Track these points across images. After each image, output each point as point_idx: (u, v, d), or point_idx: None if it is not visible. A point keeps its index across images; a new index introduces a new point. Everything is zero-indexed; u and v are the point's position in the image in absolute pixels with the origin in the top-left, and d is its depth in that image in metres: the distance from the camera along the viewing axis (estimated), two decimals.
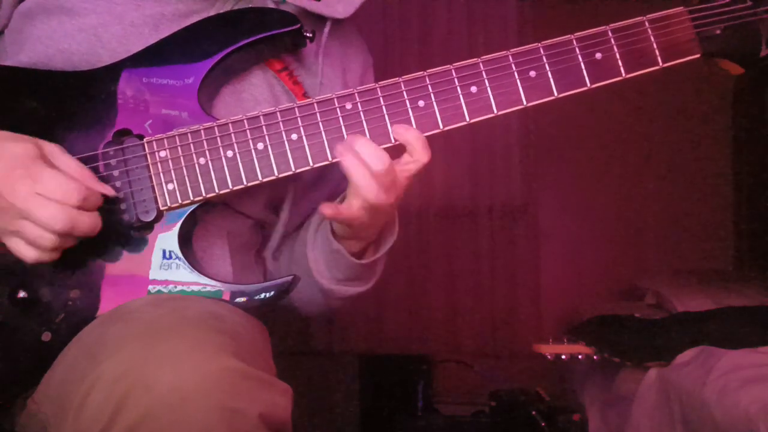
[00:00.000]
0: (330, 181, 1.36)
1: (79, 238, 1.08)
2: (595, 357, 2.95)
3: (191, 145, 1.14)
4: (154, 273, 1.13)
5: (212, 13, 1.25)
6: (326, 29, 1.29)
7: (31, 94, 1.17)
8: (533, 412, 3.06)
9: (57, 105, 1.17)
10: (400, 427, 3.39)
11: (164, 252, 1.14)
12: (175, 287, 1.13)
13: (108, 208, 1.12)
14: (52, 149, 1.07)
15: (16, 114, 1.15)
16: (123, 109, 1.16)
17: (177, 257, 1.14)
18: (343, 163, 1.13)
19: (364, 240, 1.24)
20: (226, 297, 1.14)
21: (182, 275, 1.13)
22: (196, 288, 1.13)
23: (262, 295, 1.15)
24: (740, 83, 3.99)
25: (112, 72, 1.18)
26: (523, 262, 4.22)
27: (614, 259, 4.11)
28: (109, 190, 1.10)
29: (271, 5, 1.27)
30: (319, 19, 1.29)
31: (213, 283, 1.14)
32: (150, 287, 1.13)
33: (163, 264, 1.13)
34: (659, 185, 4.16)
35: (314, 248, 1.29)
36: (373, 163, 1.12)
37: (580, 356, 2.97)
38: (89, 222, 1.06)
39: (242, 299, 1.14)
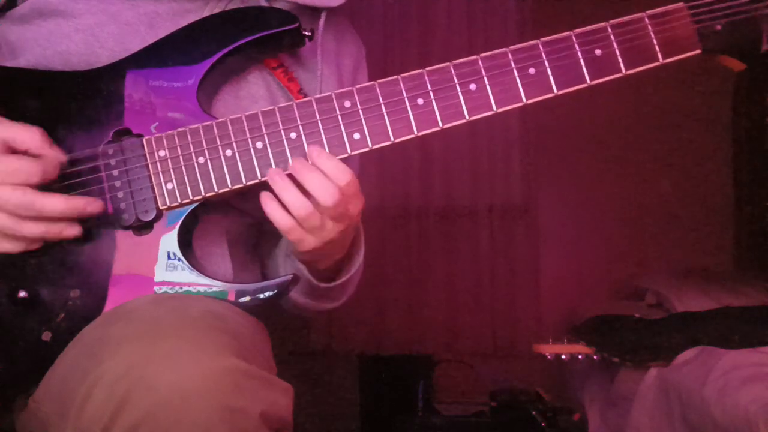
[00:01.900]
0: None
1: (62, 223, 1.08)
2: (595, 357, 2.96)
3: (190, 145, 1.14)
4: (160, 274, 1.13)
5: (206, 11, 1.25)
6: (321, 21, 1.29)
7: (31, 94, 1.17)
8: (533, 412, 3.06)
9: (58, 105, 1.17)
10: (400, 427, 3.39)
11: (169, 253, 1.14)
12: (181, 288, 1.13)
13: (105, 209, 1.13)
14: None
15: (16, 114, 1.14)
16: (130, 111, 1.16)
17: (178, 258, 1.14)
18: (263, 206, 1.13)
19: (326, 263, 1.24)
20: (231, 297, 1.14)
21: (186, 276, 1.13)
22: (202, 289, 1.13)
23: (265, 294, 1.15)
24: (740, 83, 3.99)
25: (114, 72, 1.18)
26: (523, 262, 4.21)
27: (614, 259, 4.11)
28: (61, 157, 1.09)
29: (265, 4, 1.27)
30: (313, 14, 1.29)
31: (218, 283, 1.14)
32: (156, 288, 1.13)
33: (169, 265, 1.14)
34: (659, 185, 4.16)
35: (286, 262, 1.31)
36: (294, 208, 1.11)
37: (580, 356, 2.98)
38: (56, 202, 1.07)
39: (246, 298, 1.14)
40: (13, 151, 1.07)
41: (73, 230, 1.10)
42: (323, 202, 1.10)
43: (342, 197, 1.11)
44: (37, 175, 1.06)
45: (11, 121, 1.09)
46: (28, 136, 1.08)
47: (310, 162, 1.13)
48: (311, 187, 1.11)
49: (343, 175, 1.11)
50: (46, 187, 1.08)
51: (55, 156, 1.09)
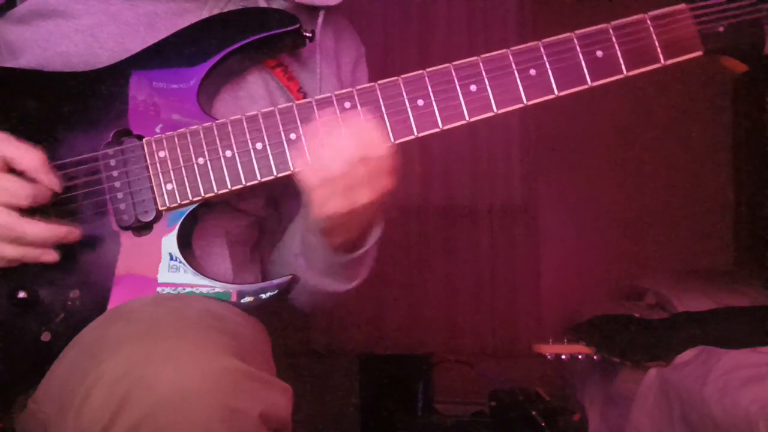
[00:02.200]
0: None
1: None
2: (595, 357, 2.96)
3: (190, 146, 1.14)
4: (164, 276, 1.13)
5: (205, 11, 1.25)
6: (320, 19, 1.28)
7: (32, 94, 1.17)
8: (533, 412, 3.06)
9: (58, 105, 1.17)
10: (400, 427, 3.39)
11: (171, 254, 1.14)
12: (184, 290, 1.13)
13: (104, 210, 1.13)
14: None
15: (16, 114, 1.15)
16: (134, 112, 1.16)
17: (179, 260, 1.14)
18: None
19: (343, 235, 1.21)
20: (233, 298, 1.14)
21: (189, 278, 1.13)
22: (204, 290, 1.13)
23: (266, 294, 1.15)
24: (741, 83, 3.99)
25: (117, 73, 1.18)
26: (523, 262, 4.21)
27: (614, 259, 4.11)
28: (55, 185, 1.10)
29: (264, 4, 1.27)
30: (311, 13, 1.29)
31: (219, 284, 1.14)
32: (159, 289, 1.13)
33: (171, 266, 1.14)
34: (659, 185, 4.16)
35: (295, 236, 1.28)
36: (333, 157, 1.10)
37: (580, 356, 2.98)
38: (38, 229, 1.07)
39: (247, 299, 1.14)
40: (10, 169, 1.07)
41: (50, 256, 1.10)
42: (368, 153, 1.09)
43: (381, 158, 1.11)
44: (26, 199, 1.07)
45: (17, 139, 1.09)
46: (28, 158, 1.08)
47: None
48: (357, 136, 1.10)
49: (386, 141, 1.12)
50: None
51: (49, 183, 1.09)
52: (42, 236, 1.08)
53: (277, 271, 1.36)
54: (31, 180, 1.08)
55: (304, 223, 1.23)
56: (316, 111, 1.16)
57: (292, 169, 1.16)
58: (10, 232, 1.06)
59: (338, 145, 1.10)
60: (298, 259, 1.28)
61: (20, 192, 1.06)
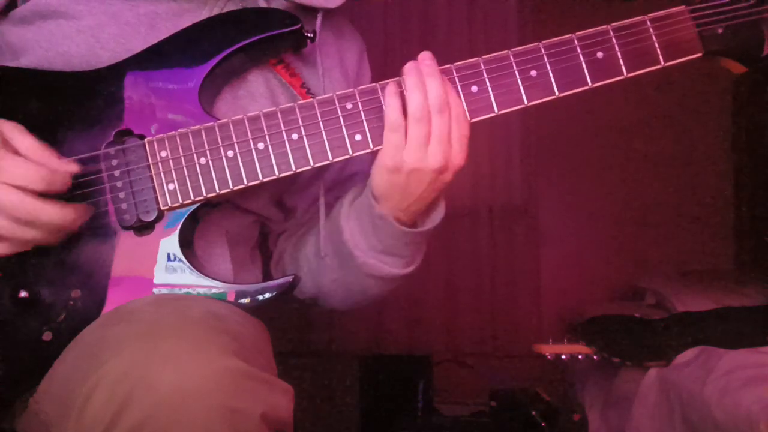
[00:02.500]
0: (349, 178, 1.37)
1: (54, 232, 1.07)
2: (595, 357, 2.96)
3: (192, 145, 1.14)
4: (160, 277, 1.13)
5: (205, 12, 1.25)
6: (318, 21, 1.29)
7: (32, 94, 1.17)
8: (533, 412, 3.06)
9: (59, 105, 1.17)
10: (400, 427, 3.39)
11: (168, 255, 1.14)
12: (181, 290, 1.13)
13: (105, 210, 1.13)
14: (10, 131, 1.07)
15: (17, 114, 1.14)
16: (129, 112, 1.16)
17: (179, 259, 1.14)
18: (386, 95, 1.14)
19: (405, 211, 1.20)
20: (231, 298, 1.14)
21: (186, 278, 1.13)
22: (202, 291, 1.13)
23: (265, 295, 1.15)
24: (741, 83, 3.99)
25: (114, 73, 1.18)
26: (523, 262, 4.21)
27: (614, 259, 4.11)
28: (73, 167, 1.09)
29: (264, 4, 1.27)
30: (310, 14, 1.29)
31: (218, 284, 1.14)
32: (155, 290, 1.13)
33: (168, 267, 1.13)
34: (659, 185, 4.16)
35: (349, 219, 1.25)
36: (414, 104, 1.13)
37: (580, 356, 2.97)
38: (54, 212, 1.05)
39: (246, 300, 1.14)
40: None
41: (62, 237, 1.10)
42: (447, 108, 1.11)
43: (460, 118, 1.13)
44: (40, 182, 1.04)
45: (27, 132, 1.08)
46: (41, 150, 1.07)
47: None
48: (432, 92, 1.12)
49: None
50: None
51: (65, 168, 1.08)
52: (61, 218, 1.07)
53: (301, 268, 1.35)
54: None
55: (364, 196, 1.22)
56: (317, 110, 1.16)
57: (294, 169, 1.16)
58: (26, 214, 1.04)
59: (425, 90, 1.13)
60: (325, 260, 1.28)
61: (34, 175, 1.04)
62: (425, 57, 1.17)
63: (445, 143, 1.14)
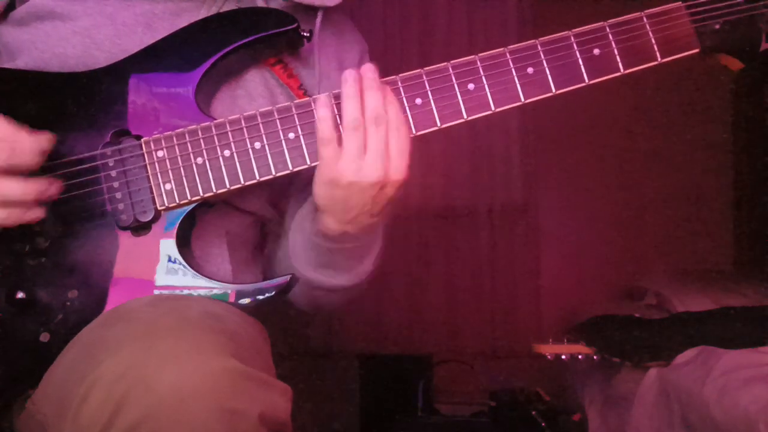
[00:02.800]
0: None
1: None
2: (595, 357, 2.95)
3: (188, 145, 1.14)
4: (161, 278, 1.13)
5: (203, 11, 1.25)
6: (318, 20, 1.28)
7: (30, 95, 1.17)
8: (533, 412, 3.06)
9: (56, 106, 1.17)
10: (400, 427, 3.38)
11: (169, 257, 1.14)
12: (182, 292, 1.13)
13: (102, 210, 1.13)
14: None
15: (14, 115, 1.14)
16: (133, 116, 1.16)
17: (178, 261, 1.13)
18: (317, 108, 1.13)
19: (352, 223, 1.18)
20: (232, 298, 1.14)
21: (187, 280, 1.13)
22: (202, 292, 1.13)
23: (263, 295, 1.15)
24: (740, 83, 3.99)
25: (115, 73, 1.18)
26: (523, 262, 4.21)
27: (614, 259, 4.11)
28: (42, 140, 1.07)
29: (262, 3, 1.27)
30: (310, 11, 1.28)
31: (218, 285, 1.14)
32: (156, 292, 1.13)
33: (169, 269, 1.13)
34: (659, 185, 4.16)
35: (296, 231, 1.27)
36: (348, 114, 1.11)
37: (580, 356, 2.97)
38: (17, 187, 1.05)
39: (246, 300, 1.14)
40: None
41: (35, 214, 1.08)
42: (385, 115, 1.10)
43: (399, 124, 1.11)
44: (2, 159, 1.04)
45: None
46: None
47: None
48: (369, 103, 1.11)
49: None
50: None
51: (30, 141, 1.07)
52: (23, 192, 1.06)
53: (277, 271, 1.35)
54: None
55: (307, 209, 1.22)
56: (314, 110, 1.15)
57: (291, 168, 1.15)
58: None
59: (360, 100, 1.11)
60: (296, 258, 1.28)
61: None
62: (367, 70, 1.14)
63: (382, 155, 1.11)
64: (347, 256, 1.24)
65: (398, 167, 1.13)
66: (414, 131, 1.16)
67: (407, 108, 1.16)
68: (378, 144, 1.11)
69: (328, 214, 1.17)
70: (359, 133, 1.11)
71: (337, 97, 1.14)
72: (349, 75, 1.13)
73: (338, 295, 1.30)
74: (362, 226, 1.19)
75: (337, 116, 1.13)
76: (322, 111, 1.13)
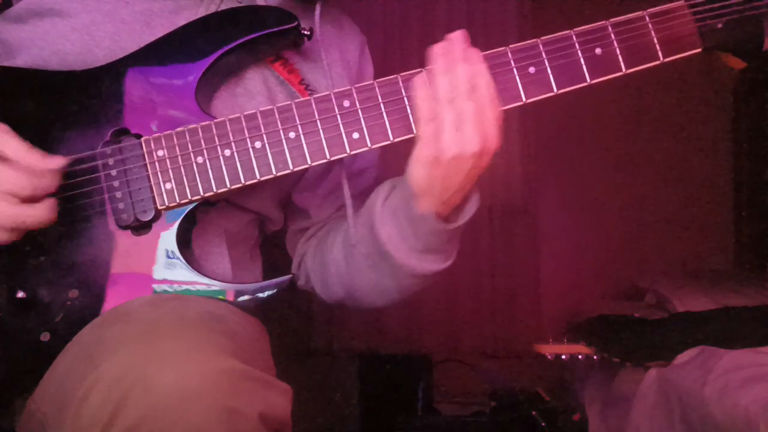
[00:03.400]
0: (359, 173, 1.37)
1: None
2: (595, 357, 2.96)
3: (189, 144, 1.14)
4: (159, 273, 1.13)
5: (201, 9, 1.25)
6: (317, 12, 1.28)
7: (28, 93, 1.17)
8: (533, 412, 3.06)
9: (56, 105, 1.17)
10: (400, 427, 3.38)
11: (167, 252, 1.14)
12: (180, 287, 1.13)
13: (102, 209, 1.12)
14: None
15: (14, 114, 1.14)
16: (129, 109, 1.16)
17: (177, 258, 1.13)
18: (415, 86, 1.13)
19: (445, 204, 1.18)
20: (230, 296, 1.13)
21: (185, 274, 1.13)
22: (201, 288, 1.13)
23: (264, 294, 1.15)
24: (741, 83, 3.99)
25: (114, 71, 1.18)
26: (523, 262, 4.21)
27: (614, 259, 4.11)
28: (57, 163, 1.08)
29: (262, 1, 1.27)
30: (308, 6, 1.28)
31: (217, 283, 1.14)
32: (155, 286, 1.13)
33: (168, 263, 1.13)
34: (659, 185, 4.16)
35: (385, 222, 1.22)
36: (443, 89, 1.11)
37: (580, 356, 2.98)
38: (38, 215, 1.06)
39: (245, 298, 1.14)
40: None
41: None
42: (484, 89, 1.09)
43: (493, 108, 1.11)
44: (26, 190, 1.04)
45: (12, 133, 1.07)
46: (24, 154, 1.06)
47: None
48: (461, 75, 1.10)
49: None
50: None
51: (51, 165, 1.07)
52: (41, 220, 1.07)
53: (329, 270, 1.33)
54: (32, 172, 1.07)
55: (403, 196, 1.19)
56: (314, 109, 1.15)
57: (291, 168, 1.15)
58: (11, 222, 1.05)
59: (456, 74, 1.11)
60: (356, 251, 1.25)
61: (21, 183, 1.04)
62: (457, 39, 1.15)
63: (479, 125, 1.11)
64: (449, 237, 1.22)
65: (494, 135, 1.14)
66: (415, 131, 1.16)
67: (408, 107, 1.16)
68: (474, 114, 1.11)
69: (425, 196, 1.16)
70: (456, 106, 1.11)
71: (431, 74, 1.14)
72: (438, 50, 1.14)
73: (433, 280, 1.28)
74: (454, 205, 1.19)
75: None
76: (420, 92, 1.13)
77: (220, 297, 1.13)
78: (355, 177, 1.38)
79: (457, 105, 1.10)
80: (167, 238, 1.14)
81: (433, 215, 1.17)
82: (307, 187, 1.37)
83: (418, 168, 1.14)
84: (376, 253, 1.23)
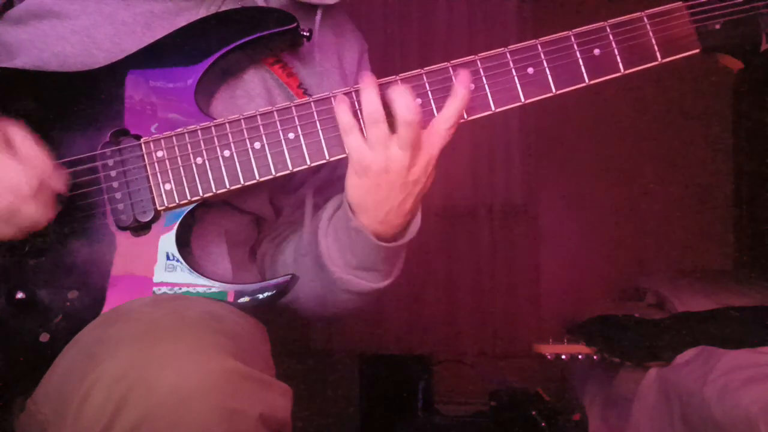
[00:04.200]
0: (338, 179, 1.36)
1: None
2: (595, 357, 2.96)
3: (188, 145, 1.14)
4: (159, 275, 1.13)
5: (202, 10, 1.25)
6: (318, 17, 1.28)
7: (29, 94, 1.17)
8: (533, 412, 3.06)
9: (56, 106, 1.17)
10: (400, 427, 3.39)
11: (168, 254, 1.14)
12: (180, 289, 1.13)
13: (102, 210, 1.12)
14: (14, 132, 1.06)
15: (13, 114, 1.14)
16: (130, 111, 1.16)
17: (177, 259, 1.13)
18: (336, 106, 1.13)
19: (383, 223, 1.18)
20: (230, 298, 1.13)
21: (186, 277, 1.13)
22: (201, 290, 1.13)
23: (263, 294, 1.15)
24: (741, 83, 3.98)
25: (114, 73, 1.18)
26: (523, 262, 4.21)
27: (614, 259, 4.11)
28: (60, 188, 1.09)
29: (262, 3, 1.27)
30: (309, 10, 1.28)
31: (217, 284, 1.14)
32: (155, 289, 1.13)
33: (168, 266, 1.13)
34: (659, 185, 4.16)
35: (327, 235, 1.23)
36: (368, 110, 1.11)
37: (580, 356, 2.98)
38: (32, 211, 1.05)
39: (245, 299, 1.14)
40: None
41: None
42: (403, 116, 1.09)
43: (418, 124, 1.11)
44: (32, 185, 1.04)
45: (30, 137, 1.08)
46: (39, 161, 1.06)
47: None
48: (395, 97, 1.11)
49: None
50: None
51: (54, 187, 1.08)
52: (36, 218, 1.07)
53: (281, 272, 1.33)
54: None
55: (342, 209, 1.20)
56: (314, 110, 1.15)
57: (290, 168, 1.15)
58: (3, 212, 1.05)
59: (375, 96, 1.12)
60: (304, 259, 1.26)
61: (27, 182, 1.04)
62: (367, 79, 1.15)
63: (411, 143, 1.12)
64: (386, 256, 1.22)
65: (429, 149, 1.14)
66: None
67: None
68: (405, 131, 1.11)
69: (361, 211, 1.17)
70: (381, 124, 1.12)
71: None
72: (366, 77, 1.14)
73: (369, 298, 1.28)
74: (397, 225, 1.19)
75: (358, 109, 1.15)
76: (339, 104, 1.14)
77: (221, 299, 1.13)
78: (335, 182, 1.38)
79: (382, 125, 1.12)
80: (167, 240, 1.14)
81: (366, 230, 1.17)
82: (292, 189, 1.36)
83: (349, 179, 1.16)
84: (316, 264, 1.24)
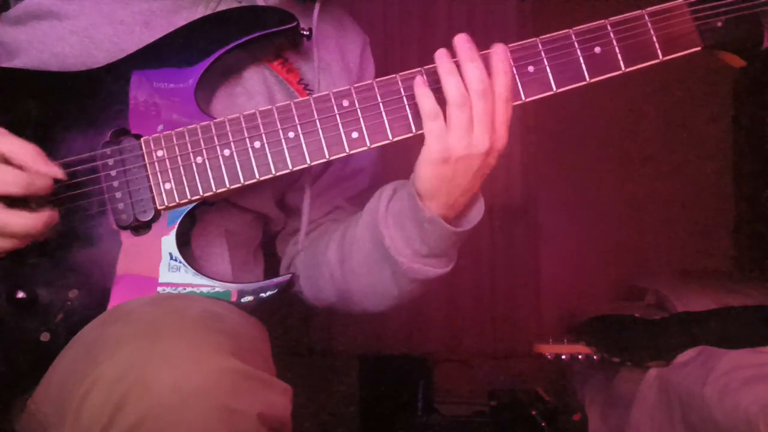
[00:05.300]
0: (351, 175, 1.36)
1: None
2: (595, 357, 2.95)
3: (188, 144, 1.14)
4: (164, 275, 1.13)
5: (200, 8, 1.25)
6: (315, 11, 1.28)
7: (28, 95, 1.17)
8: (533, 412, 3.06)
9: (56, 106, 1.17)
10: (400, 427, 3.38)
11: (170, 255, 1.14)
12: (185, 289, 1.13)
13: (104, 210, 1.12)
14: None
15: (13, 114, 1.14)
16: (135, 112, 1.16)
17: (178, 259, 1.13)
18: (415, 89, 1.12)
19: (451, 207, 1.17)
20: (233, 297, 1.13)
21: (189, 277, 1.13)
22: (205, 290, 1.13)
23: (266, 293, 1.15)
24: (741, 83, 3.98)
25: (117, 73, 1.18)
26: (523, 262, 4.21)
27: (614, 259, 4.11)
28: (57, 172, 1.08)
29: (261, 2, 1.27)
30: (307, 5, 1.28)
31: (220, 284, 1.14)
32: (159, 289, 1.13)
33: (172, 266, 1.13)
34: (659, 185, 4.16)
35: (388, 225, 1.20)
36: (452, 90, 1.09)
37: (580, 356, 2.97)
38: (21, 222, 1.05)
39: (248, 298, 1.14)
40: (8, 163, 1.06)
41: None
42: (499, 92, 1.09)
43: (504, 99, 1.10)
44: (19, 186, 1.04)
45: (10, 134, 1.07)
46: (24, 151, 1.06)
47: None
48: (470, 76, 1.09)
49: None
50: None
51: (49, 172, 1.07)
52: (26, 227, 1.06)
53: (342, 258, 1.30)
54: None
55: (409, 198, 1.18)
56: (314, 108, 1.15)
57: (290, 167, 1.15)
58: None
59: (458, 75, 1.10)
60: (356, 255, 1.24)
61: (13, 180, 1.03)
62: (463, 40, 1.13)
63: (489, 127, 1.11)
64: (455, 241, 1.21)
65: (502, 136, 1.13)
66: (414, 130, 1.15)
67: (407, 107, 1.15)
68: (485, 116, 1.10)
69: (433, 198, 1.15)
70: (466, 107, 1.10)
71: (431, 73, 1.13)
72: (442, 52, 1.12)
73: (430, 285, 1.27)
74: (460, 208, 1.18)
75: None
76: (421, 90, 1.12)
77: (225, 298, 1.13)
78: (347, 179, 1.37)
79: (467, 109, 1.10)
80: (169, 240, 1.14)
81: (441, 219, 1.16)
82: (302, 187, 1.37)
83: (426, 168, 1.13)
84: (377, 256, 1.22)
